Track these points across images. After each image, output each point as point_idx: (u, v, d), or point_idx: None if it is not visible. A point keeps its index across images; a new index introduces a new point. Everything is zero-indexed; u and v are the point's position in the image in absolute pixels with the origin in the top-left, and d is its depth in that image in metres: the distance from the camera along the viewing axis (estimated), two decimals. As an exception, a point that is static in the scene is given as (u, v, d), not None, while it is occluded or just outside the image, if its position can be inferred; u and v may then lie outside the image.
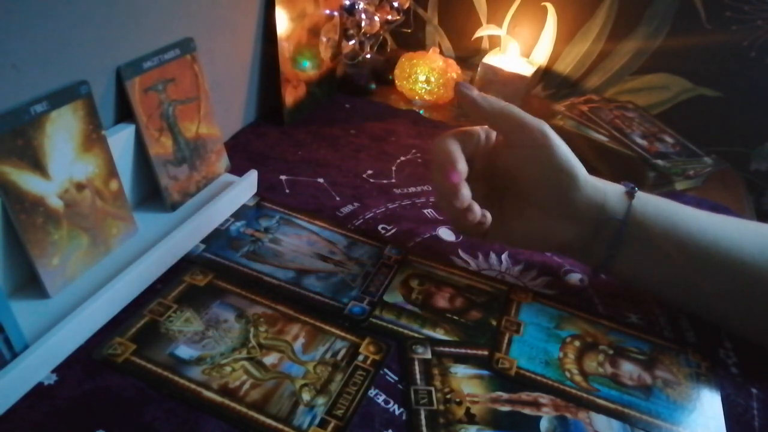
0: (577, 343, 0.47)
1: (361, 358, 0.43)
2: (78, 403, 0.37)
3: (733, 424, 0.42)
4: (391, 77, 0.86)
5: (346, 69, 0.82)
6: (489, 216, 0.47)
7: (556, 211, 0.48)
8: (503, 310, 0.49)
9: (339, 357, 0.42)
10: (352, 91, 0.82)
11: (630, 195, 0.47)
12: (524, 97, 0.85)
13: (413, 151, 0.71)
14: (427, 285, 0.50)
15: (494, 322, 0.48)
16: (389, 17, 0.78)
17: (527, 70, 0.84)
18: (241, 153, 0.64)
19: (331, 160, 0.66)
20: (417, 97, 0.83)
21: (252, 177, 0.57)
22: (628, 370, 0.45)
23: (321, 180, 0.63)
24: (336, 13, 0.74)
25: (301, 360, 0.42)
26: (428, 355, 0.44)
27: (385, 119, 0.77)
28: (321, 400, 0.39)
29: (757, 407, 0.44)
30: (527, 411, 0.41)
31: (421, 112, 0.82)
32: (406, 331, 0.45)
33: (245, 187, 0.56)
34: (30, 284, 0.42)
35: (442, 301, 0.49)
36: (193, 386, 0.39)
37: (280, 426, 0.37)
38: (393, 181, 0.65)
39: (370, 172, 0.65)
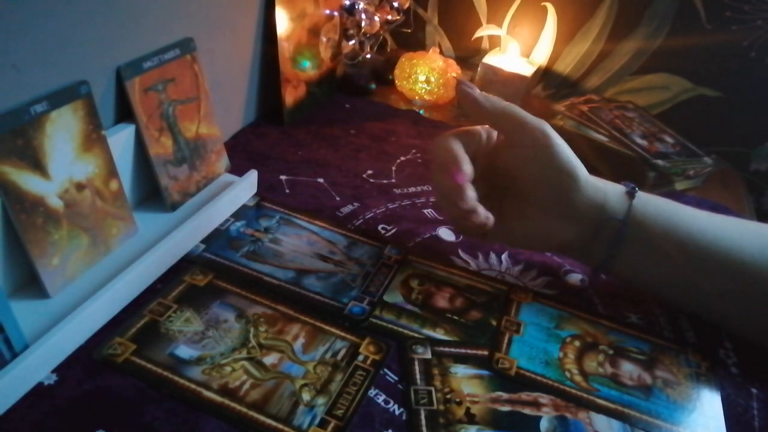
0: (577, 343, 0.47)
1: (361, 358, 0.43)
2: (78, 403, 0.37)
3: (733, 424, 0.42)
4: (391, 77, 0.86)
5: (346, 69, 0.82)
6: (492, 217, 0.47)
7: (556, 211, 0.48)
8: (503, 310, 0.49)
9: (339, 357, 0.42)
10: (352, 91, 0.82)
11: (630, 195, 0.47)
12: (524, 97, 0.85)
13: (413, 151, 0.71)
14: (427, 285, 0.50)
15: (494, 322, 0.48)
16: (389, 17, 0.78)
17: (527, 70, 0.84)
18: (241, 153, 0.64)
19: (331, 160, 0.66)
20: (417, 97, 0.83)
21: (252, 177, 0.57)
22: (628, 370, 0.45)
23: (321, 180, 0.63)
24: (336, 13, 0.74)
25: (301, 360, 0.42)
26: (428, 355, 0.44)
27: (385, 119, 0.77)
28: (321, 400, 0.39)
29: (757, 407, 0.44)
30: (527, 411, 0.41)
31: (421, 112, 0.82)
32: (406, 331, 0.45)
33: (245, 187, 0.56)
34: (30, 284, 0.42)
35: (442, 301, 0.49)
36: (193, 386, 0.39)
37: (280, 426, 0.37)
38: (393, 181, 0.65)
39: (370, 172, 0.65)
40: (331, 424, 0.38)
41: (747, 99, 0.83)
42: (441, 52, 0.86)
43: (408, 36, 0.89)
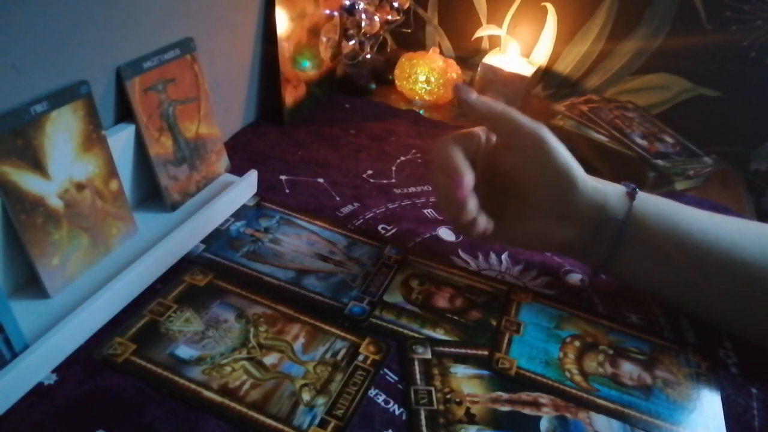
0: (577, 343, 0.47)
1: (361, 358, 0.43)
2: (78, 403, 0.37)
3: (733, 424, 0.42)
4: (391, 77, 0.86)
5: (346, 69, 0.82)
6: (492, 225, 0.48)
7: (555, 213, 0.48)
8: (503, 310, 0.49)
9: (339, 357, 0.42)
10: (352, 91, 0.82)
11: (631, 196, 0.47)
12: (524, 97, 0.85)
13: (413, 151, 0.71)
14: (427, 285, 0.50)
15: (494, 322, 0.48)
16: (389, 17, 0.78)
17: (527, 70, 0.84)
18: (241, 153, 0.64)
19: (331, 160, 0.66)
20: (417, 97, 0.83)
21: (252, 177, 0.57)
22: (628, 370, 0.45)
23: (321, 180, 0.63)
24: (336, 13, 0.74)
25: (301, 360, 0.42)
26: (428, 355, 0.44)
27: (385, 119, 0.77)
28: (321, 400, 0.39)
29: (757, 407, 0.44)
30: (527, 411, 0.41)
31: (421, 112, 0.82)
32: (406, 331, 0.45)
33: (245, 187, 0.56)
34: (30, 284, 0.42)
35: (442, 301, 0.49)
36: (193, 386, 0.39)
37: (280, 426, 0.37)
38: (393, 181, 0.65)
39: (370, 172, 0.65)
40: (331, 424, 0.38)
41: (747, 99, 0.83)
42: (441, 52, 0.86)
43: (408, 36, 0.89)
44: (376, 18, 0.75)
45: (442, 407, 0.40)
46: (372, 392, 0.40)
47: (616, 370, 0.45)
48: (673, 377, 0.45)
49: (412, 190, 0.64)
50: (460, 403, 0.40)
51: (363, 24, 0.75)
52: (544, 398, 0.42)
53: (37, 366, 0.37)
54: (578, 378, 0.44)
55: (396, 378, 0.42)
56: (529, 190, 0.48)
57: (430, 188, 0.64)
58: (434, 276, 0.51)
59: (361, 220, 0.57)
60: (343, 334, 0.44)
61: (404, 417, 0.39)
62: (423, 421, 0.39)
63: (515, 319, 0.48)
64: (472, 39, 0.91)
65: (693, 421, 0.42)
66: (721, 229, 0.47)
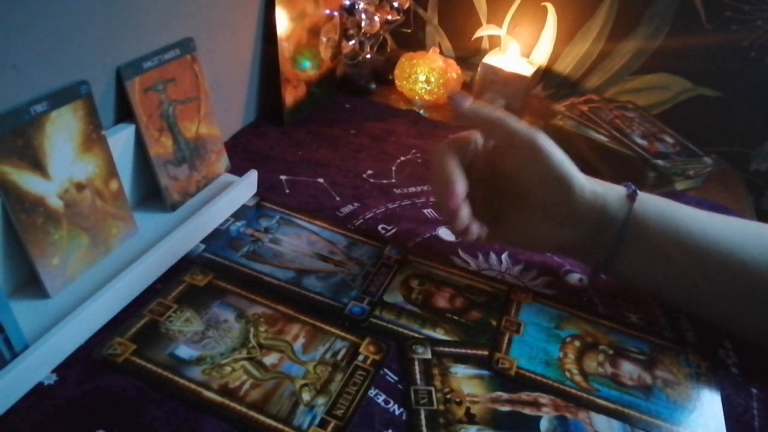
0: (577, 343, 0.47)
1: (361, 358, 0.43)
2: (78, 403, 0.37)
3: (733, 424, 0.42)
4: (391, 77, 0.86)
5: (346, 69, 0.82)
6: (485, 231, 0.48)
7: (553, 216, 0.48)
8: (503, 310, 0.49)
9: (339, 357, 0.42)
10: (352, 91, 0.82)
11: (631, 198, 0.47)
12: (524, 97, 0.85)
13: (413, 151, 0.71)
14: (427, 285, 0.50)
15: (494, 322, 0.48)
16: (389, 17, 0.78)
17: (527, 70, 0.84)
18: (241, 153, 0.64)
19: (331, 160, 0.66)
20: (417, 97, 0.83)
21: (252, 177, 0.57)
22: (628, 370, 0.45)
23: (321, 180, 0.63)
24: (336, 13, 0.74)
25: (301, 360, 0.42)
26: (428, 355, 0.44)
27: (385, 119, 0.77)
28: (321, 400, 0.39)
29: (757, 407, 0.44)
30: (527, 411, 0.41)
31: (421, 112, 0.82)
32: (406, 331, 0.45)
33: (245, 187, 0.56)
34: (30, 284, 0.42)
35: (442, 301, 0.49)
36: (193, 386, 0.39)
37: (280, 426, 0.37)
38: (393, 181, 0.65)
39: (370, 172, 0.65)
40: (331, 424, 0.38)
41: (747, 99, 0.83)
42: (441, 52, 0.86)
43: (408, 36, 0.89)
44: (376, 18, 0.75)
45: (442, 407, 0.40)
46: (372, 392, 0.40)
47: (616, 370, 0.45)
48: (673, 377, 0.45)
49: (412, 190, 0.64)
50: (460, 403, 0.40)
51: (363, 24, 0.75)
52: (544, 398, 0.42)
53: (37, 366, 0.37)
54: (578, 378, 0.44)
55: (396, 378, 0.42)
56: (527, 194, 0.48)
57: (430, 188, 0.64)
58: (434, 276, 0.51)
59: (361, 220, 0.57)
60: (343, 334, 0.44)
61: (404, 417, 0.39)
62: (423, 421, 0.39)
63: (515, 319, 0.48)
64: (472, 39, 0.91)
65: (693, 421, 0.42)
66: (721, 229, 0.47)
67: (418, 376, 0.42)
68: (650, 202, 0.48)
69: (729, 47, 0.80)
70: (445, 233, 0.57)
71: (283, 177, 0.62)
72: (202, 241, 0.51)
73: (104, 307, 0.42)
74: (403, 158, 0.69)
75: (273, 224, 0.55)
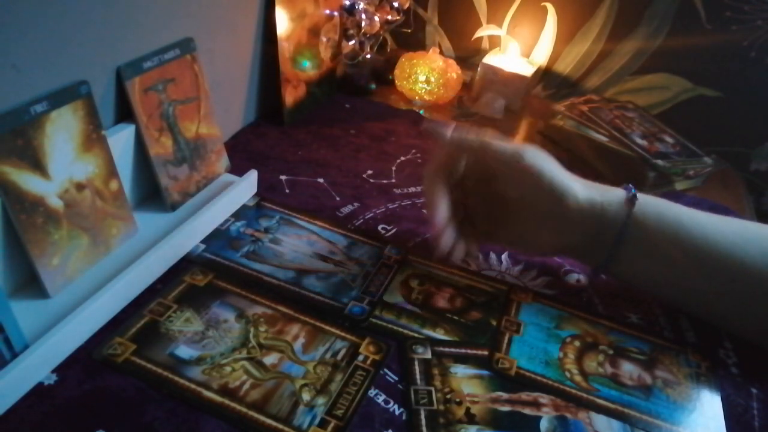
0: (577, 343, 0.47)
1: (361, 358, 0.43)
2: (78, 403, 0.37)
3: (733, 424, 0.42)
4: (391, 77, 0.86)
5: (346, 69, 0.82)
6: (475, 247, 0.50)
7: (550, 226, 0.48)
8: (503, 310, 0.49)
9: (339, 357, 0.42)
10: (352, 91, 0.82)
11: (630, 202, 0.47)
12: (524, 97, 0.85)
13: (413, 151, 0.71)
14: (427, 285, 0.50)
15: (494, 322, 0.48)
16: (389, 17, 0.78)
17: (527, 70, 0.84)
18: (241, 153, 0.64)
19: (331, 160, 0.66)
20: (417, 97, 0.83)
21: (252, 177, 0.57)
22: (628, 370, 0.45)
23: (321, 180, 0.63)
24: (336, 13, 0.74)
25: (301, 360, 0.42)
26: (428, 355, 0.44)
27: (385, 119, 0.77)
28: (321, 400, 0.39)
29: (757, 407, 0.44)
30: (527, 411, 0.41)
31: (421, 112, 0.82)
32: (406, 331, 0.45)
33: (245, 187, 0.56)
34: (30, 284, 0.42)
35: (442, 301, 0.49)
36: (193, 386, 0.39)
37: (280, 426, 0.37)
38: (393, 181, 0.65)
39: (370, 172, 0.65)
40: (331, 424, 0.38)
41: (747, 99, 0.83)
42: (441, 52, 0.86)
43: (408, 36, 0.89)
44: (376, 18, 0.75)
45: (442, 407, 0.40)
46: (372, 392, 0.40)
47: (616, 370, 0.45)
48: (673, 377, 0.45)
49: (412, 190, 0.63)
50: (460, 403, 0.40)
51: (363, 24, 0.75)
52: (544, 398, 0.42)
53: (37, 366, 0.37)
54: (578, 378, 0.44)
55: (396, 378, 0.42)
56: (521, 208, 0.48)
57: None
58: (434, 276, 0.51)
59: (361, 220, 0.57)
60: (343, 334, 0.44)
61: (404, 417, 0.39)
62: (423, 421, 0.39)
63: (515, 319, 0.48)
64: (472, 39, 0.91)
65: (693, 421, 0.42)
66: (721, 230, 0.47)
67: (418, 376, 0.42)
68: (650, 205, 0.47)
69: (729, 47, 0.80)
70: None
71: (283, 177, 0.62)
72: (202, 241, 0.51)
73: (104, 307, 0.42)
74: (403, 158, 0.69)
75: (273, 224, 0.55)
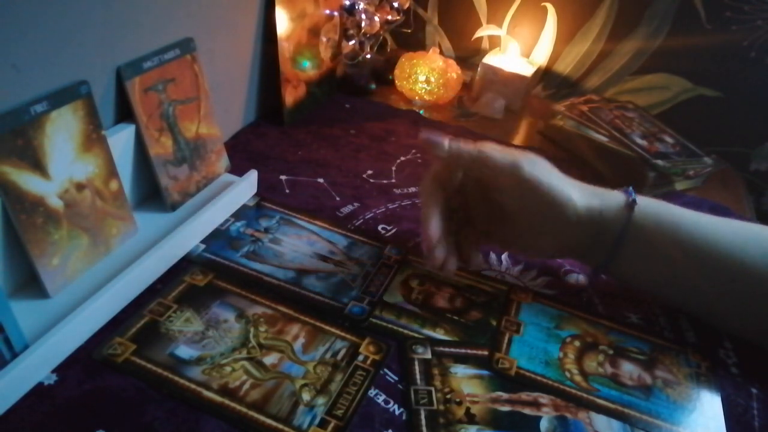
0: (577, 343, 0.47)
1: (361, 358, 0.43)
2: (78, 403, 0.37)
3: (733, 424, 0.42)
4: (391, 77, 0.86)
5: (346, 69, 0.82)
6: (478, 259, 0.51)
7: (548, 232, 0.48)
8: (503, 310, 0.49)
9: (339, 357, 0.42)
10: (352, 91, 0.82)
11: (630, 207, 0.47)
12: (524, 97, 0.85)
13: (413, 151, 0.71)
14: (427, 285, 0.50)
15: (494, 322, 0.48)
16: (389, 17, 0.78)
17: (527, 70, 0.84)
18: (241, 153, 0.64)
19: (331, 160, 0.66)
20: (417, 97, 0.83)
21: (252, 177, 0.57)
22: (628, 370, 0.45)
23: (321, 180, 0.63)
24: (336, 13, 0.74)
25: (301, 360, 0.42)
26: (428, 355, 0.44)
27: (385, 119, 0.77)
28: (321, 400, 0.39)
29: (757, 407, 0.44)
30: (527, 411, 0.41)
31: (421, 112, 0.82)
32: (406, 331, 0.45)
33: (245, 187, 0.56)
34: (30, 284, 0.42)
35: (442, 301, 0.49)
36: (193, 386, 0.39)
37: (280, 426, 0.37)
38: (393, 181, 0.65)
39: (370, 172, 0.65)
40: (331, 424, 0.38)
41: (747, 99, 0.83)
42: (441, 52, 0.86)
43: (408, 36, 0.89)
44: (376, 18, 0.75)
45: (442, 407, 0.40)
46: (372, 392, 0.40)
47: (616, 370, 0.45)
48: (673, 377, 0.45)
49: (412, 190, 0.63)
50: (460, 403, 0.40)
51: (363, 24, 0.75)
52: (544, 398, 0.42)
53: (37, 366, 0.37)
54: (578, 378, 0.44)
55: (396, 378, 0.42)
56: (519, 217, 0.48)
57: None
58: (434, 276, 0.51)
59: (361, 220, 0.57)
60: (343, 334, 0.44)
61: (404, 417, 0.39)
62: (423, 421, 0.39)
63: (515, 319, 0.48)
64: (472, 39, 0.91)
65: (693, 421, 0.42)
66: (721, 231, 0.47)
67: (418, 376, 0.42)
68: (649, 208, 0.47)
69: (729, 47, 0.80)
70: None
71: (283, 177, 0.62)
72: (202, 241, 0.51)
73: (104, 307, 0.42)
74: (403, 158, 0.69)
75: (273, 224, 0.55)
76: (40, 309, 0.41)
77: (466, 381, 0.42)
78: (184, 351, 0.41)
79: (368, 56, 0.80)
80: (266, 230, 0.54)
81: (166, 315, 0.44)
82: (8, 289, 0.42)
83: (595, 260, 0.49)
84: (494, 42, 0.92)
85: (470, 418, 0.39)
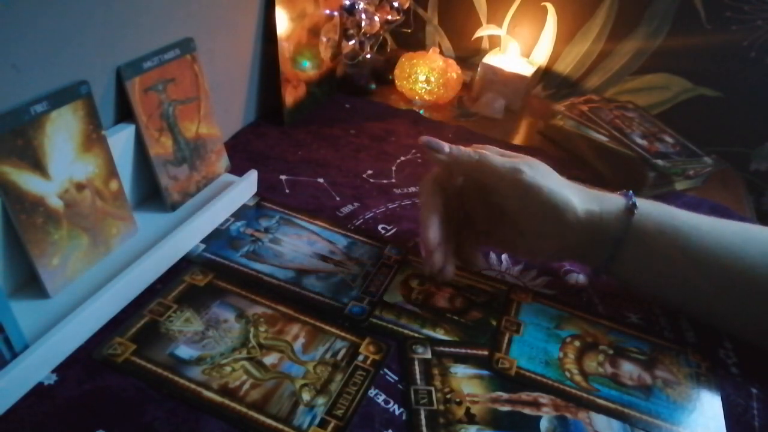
0: (577, 343, 0.47)
1: (361, 358, 0.43)
2: (78, 403, 0.37)
3: (733, 424, 0.42)
4: (391, 77, 0.86)
5: (346, 69, 0.82)
6: (479, 261, 0.51)
7: (547, 236, 0.48)
8: (503, 310, 0.49)
9: (339, 357, 0.42)
10: (352, 91, 0.82)
11: (629, 211, 0.47)
12: (524, 97, 0.85)
13: (413, 151, 0.71)
14: (427, 285, 0.50)
15: (494, 322, 0.48)
16: (389, 17, 0.78)
17: (527, 70, 0.84)
18: (241, 153, 0.64)
19: (331, 160, 0.66)
20: (417, 97, 0.83)
21: (252, 177, 0.57)
22: (628, 370, 0.45)
23: (321, 180, 0.63)
24: (336, 13, 0.74)
25: (301, 360, 0.42)
26: (428, 355, 0.44)
27: (385, 119, 0.77)
28: (321, 400, 0.39)
29: (757, 407, 0.44)
30: (527, 411, 0.41)
31: (421, 112, 0.82)
32: (406, 331, 0.45)
33: (245, 187, 0.56)
34: (30, 284, 0.42)
35: (442, 301, 0.49)
36: (193, 386, 0.39)
37: (280, 426, 0.37)
38: (393, 181, 0.65)
39: (370, 172, 0.65)
40: (331, 424, 0.38)
41: (747, 99, 0.83)
42: (441, 52, 0.86)
43: (408, 36, 0.89)
44: (376, 18, 0.75)
45: (442, 407, 0.40)
46: (372, 392, 0.40)
47: (616, 370, 0.45)
48: (673, 377, 0.45)
49: (412, 190, 0.63)
50: (460, 403, 0.40)
51: (363, 24, 0.75)
52: (544, 398, 0.42)
53: (37, 366, 0.37)
54: (578, 378, 0.44)
55: (396, 378, 0.42)
56: (520, 219, 0.48)
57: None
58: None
59: (361, 220, 0.57)
60: (343, 334, 0.44)
61: (404, 417, 0.39)
62: (423, 421, 0.39)
63: (515, 319, 0.48)
64: (472, 39, 0.91)
65: (693, 421, 0.42)
66: (721, 232, 0.47)
67: (418, 376, 0.42)
68: (649, 210, 0.47)
69: (729, 47, 0.80)
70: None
71: (283, 177, 0.62)
72: (202, 241, 0.51)
73: (104, 307, 0.42)
74: (403, 158, 0.69)
75: (273, 224, 0.55)
76: (40, 309, 0.41)
77: (466, 381, 0.42)
78: (184, 351, 0.41)
79: (368, 56, 0.80)
80: (266, 230, 0.54)
81: (166, 315, 0.44)
82: (8, 289, 0.42)
83: (595, 262, 0.49)
84: (494, 42, 0.92)
85: (470, 418, 0.39)
